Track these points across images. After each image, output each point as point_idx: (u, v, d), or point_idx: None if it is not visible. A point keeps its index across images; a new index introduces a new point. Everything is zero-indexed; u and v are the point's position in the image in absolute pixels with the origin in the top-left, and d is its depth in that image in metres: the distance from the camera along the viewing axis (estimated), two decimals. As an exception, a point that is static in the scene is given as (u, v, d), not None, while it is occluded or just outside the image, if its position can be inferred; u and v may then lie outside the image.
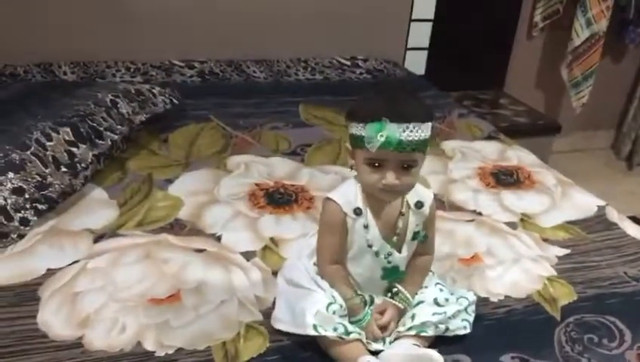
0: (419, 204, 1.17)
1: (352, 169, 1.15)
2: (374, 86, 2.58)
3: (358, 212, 1.13)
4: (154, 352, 1.11)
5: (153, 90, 1.99)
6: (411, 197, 1.16)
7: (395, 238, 1.15)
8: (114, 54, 2.46)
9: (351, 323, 1.12)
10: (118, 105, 1.81)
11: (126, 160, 1.80)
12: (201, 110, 2.17)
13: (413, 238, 1.17)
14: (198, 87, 2.41)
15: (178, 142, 1.95)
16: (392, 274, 1.17)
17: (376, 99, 1.11)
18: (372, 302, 1.18)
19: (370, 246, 1.14)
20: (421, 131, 1.05)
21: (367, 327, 1.13)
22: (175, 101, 2.05)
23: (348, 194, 1.14)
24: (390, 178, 1.07)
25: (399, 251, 1.16)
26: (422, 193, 1.18)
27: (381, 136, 1.02)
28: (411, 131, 1.03)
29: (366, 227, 1.13)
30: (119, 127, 1.76)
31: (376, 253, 1.15)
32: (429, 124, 1.08)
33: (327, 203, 1.16)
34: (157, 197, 1.63)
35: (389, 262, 1.16)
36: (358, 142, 1.08)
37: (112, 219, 1.52)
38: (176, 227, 1.51)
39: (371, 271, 1.17)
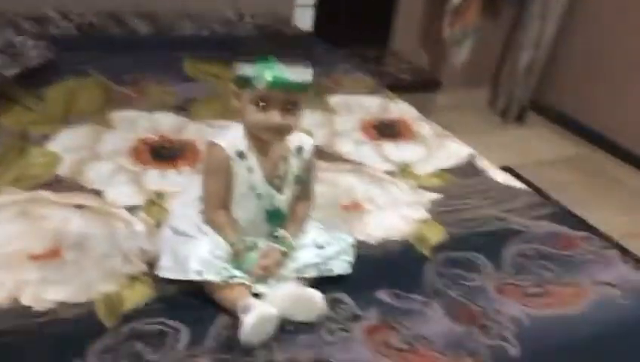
0: (299, 149, 1.22)
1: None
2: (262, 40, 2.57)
3: (241, 155, 1.16)
4: (31, 307, 1.09)
5: (26, 43, 1.88)
6: (292, 142, 1.21)
7: (277, 181, 1.20)
8: (-20, 4, 2.28)
9: (236, 268, 1.16)
10: (-14, 58, 1.70)
11: (-2, 115, 1.71)
12: (79, 64, 2.08)
13: (295, 181, 1.22)
14: (76, 40, 2.30)
15: (55, 98, 1.87)
16: (274, 217, 1.22)
17: (264, 42, 1.19)
18: (256, 246, 1.22)
19: (252, 188, 1.18)
20: (305, 74, 1.11)
21: (250, 270, 1.17)
22: (49, 55, 1.94)
23: (231, 137, 1.18)
24: (275, 117, 1.11)
25: (281, 193, 1.21)
26: (303, 139, 1.24)
27: (269, 74, 1.07)
28: (296, 73, 1.09)
29: (250, 170, 1.17)
30: (-12, 80, 1.66)
31: (259, 196, 1.19)
32: (310, 68, 1.13)
33: (210, 147, 1.18)
34: (33, 154, 1.57)
35: (271, 205, 1.20)
36: (245, 82, 1.11)
37: (-17, 176, 1.45)
38: (55, 183, 1.47)
39: (255, 214, 1.21)
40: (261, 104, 1.11)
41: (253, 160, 1.18)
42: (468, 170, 1.81)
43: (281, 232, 1.22)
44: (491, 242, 1.45)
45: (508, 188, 1.73)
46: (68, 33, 2.34)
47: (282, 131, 1.15)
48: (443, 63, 3.50)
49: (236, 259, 1.17)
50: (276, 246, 1.21)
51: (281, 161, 1.20)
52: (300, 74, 1.10)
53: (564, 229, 1.56)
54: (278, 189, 1.21)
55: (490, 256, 1.40)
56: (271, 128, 1.13)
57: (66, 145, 1.63)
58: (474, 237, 1.47)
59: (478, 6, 3.22)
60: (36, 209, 1.36)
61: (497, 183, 1.75)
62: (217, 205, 1.20)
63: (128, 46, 2.32)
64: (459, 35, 3.26)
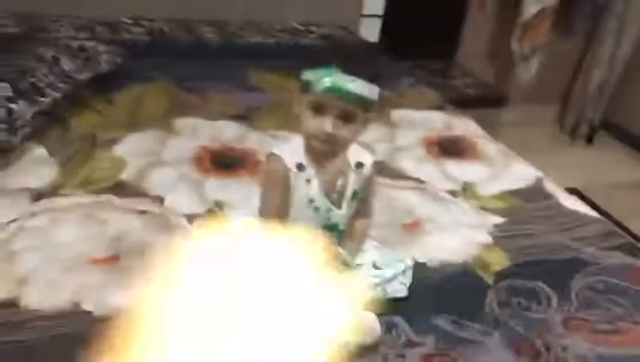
0: (359, 165, 1.20)
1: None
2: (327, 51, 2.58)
3: (300, 167, 1.15)
4: (91, 312, 1.11)
5: (97, 48, 1.94)
6: (352, 158, 1.19)
7: (335, 195, 1.18)
8: (59, 8, 2.37)
9: None
10: (60, 62, 1.75)
11: (69, 118, 1.76)
12: (148, 70, 2.12)
13: (353, 197, 1.20)
14: (146, 46, 2.35)
15: (124, 102, 1.91)
16: (332, 232, 1.20)
17: (331, 50, 1.12)
18: None
19: (311, 201, 1.16)
20: (366, 88, 1.08)
21: None
22: (120, 60, 1.99)
23: (291, 149, 1.16)
24: (327, 124, 1.09)
25: (339, 208, 1.19)
26: (362, 155, 1.21)
27: (328, 80, 1.06)
28: (357, 85, 1.07)
29: (308, 182, 1.15)
30: (61, 84, 1.71)
31: (317, 209, 1.17)
32: (376, 87, 1.10)
33: (270, 158, 1.18)
34: (100, 158, 1.60)
35: (328, 219, 1.18)
36: (305, 86, 1.10)
37: (52, 178, 1.49)
38: (119, 188, 1.49)
39: (312, 228, 1.19)
40: (317, 109, 1.09)
41: (311, 172, 1.16)
42: (534, 192, 1.74)
43: (339, 251, 1.20)
44: (558, 272, 1.39)
45: (577, 214, 1.65)
46: (139, 39, 2.40)
47: (333, 141, 1.12)
48: (510, 79, 3.41)
49: None
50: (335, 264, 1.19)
51: (339, 176, 1.18)
52: (360, 86, 1.07)
53: (637, 261, 1.47)
54: (336, 204, 1.19)
55: (556, 287, 1.33)
56: (321, 135, 1.10)
57: (131, 150, 1.67)
58: (539, 265, 1.41)
59: (549, 22, 3.12)
60: (100, 213, 1.38)
61: (566, 208, 1.67)
62: (275, 217, 1.19)
63: (196, 53, 2.35)
64: (528, 50, 3.17)
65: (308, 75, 1.10)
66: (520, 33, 3.13)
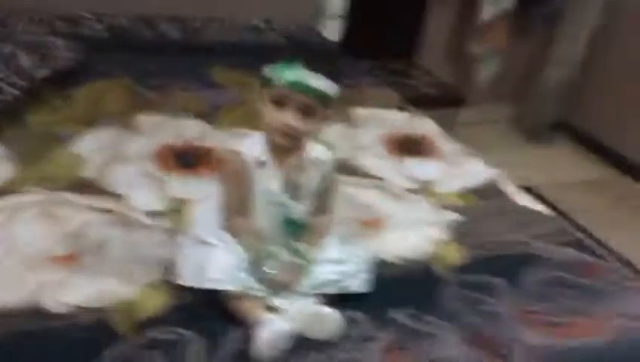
0: (318, 161, 1.22)
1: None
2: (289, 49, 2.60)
3: (260, 162, 1.16)
4: (50, 309, 1.10)
5: (57, 43, 1.91)
6: (312, 153, 1.22)
7: (295, 190, 1.20)
8: (17, 3, 2.31)
9: (254, 278, 1.15)
10: (18, 57, 1.72)
11: (26, 115, 1.73)
12: (108, 66, 2.09)
13: (313, 193, 1.22)
14: (106, 42, 2.32)
15: (83, 99, 1.89)
16: (292, 227, 1.22)
17: (292, 48, 1.14)
18: (274, 255, 1.21)
19: (271, 196, 1.18)
20: (326, 84, 1.12)
21: (268, 281, 1.17)
22: (79, 56, 1.97)
23: (251, 145, 1.19)
24: (289, 117, 1.12)
25: (299, 203, 1.21)
26: (322, 151, 1.24)
27: (289, 73, 1.09)
28: (317, 79, 1.10)
29: (268, 178, 1.18)
30: (18, 80, 1.68)
31: (277, 204, 1.19)
32: (335, 85, 1.14)
33: (230, 154, 1.19)
34: (58, 154, 1.58)
35: (288, 214, 1.20)
36: (267, 80, 1.13)
37: (10, 175, 1.47)
38: (79, 185, 1.48)
39: (273, 223, 1.21)
40: (278, 102, 1.12)
41: (271, 168, 1.18)
42: (491, 190, 1.79)
43: (299, 245, 1.22)
44: (512, 267, 1.43)
45: (531, 212, 1.71)
46: (99, 35, 2.36)
47: (293, 134, 1.15)
48: (468, 79, 3.48)
49: (255, 266, 1.17)
50: (295, 259, 1.21)
51: (299, 171, 1.21)
52: (320, 81, 1.11)
53: (588, 256, 1.53)
54: (296, 199, 1.21)
55: (511, 281, 1.38)
56: (282, 128, 1.13)
57: (91, 146, 1.65)
58: (495, 260, 1.45)
59: (507, 24, 3.19)
60: (59, 210, 1.37)
61: (520, 206, 1.73)
62: (237, 212, 1.20)
63: (157, 50, 2.34)
64: (487, 52, 3.24)
65: (269, 69, 1.13)
66: (479, 35, 3.20)
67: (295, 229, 1.23)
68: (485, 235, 1.55)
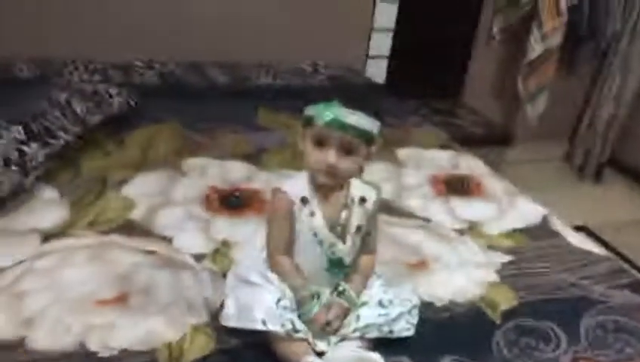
0: (362, 199, 1.21)
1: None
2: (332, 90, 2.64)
3: (304, 200, 1.17)
4: (97, 353, 1.11)
5: (110, 91, 1.98)
6: (356, 192, 1.21)
7: (339, 229, 1.19)
8: (72, 53, 2.43)
9: (297, 315, 1.14)
10: (73, 105, 1.80)
11: (80, 160, 1.79)
12: (159, 112, 2.16)
13: (357, 232, 1.21)
14: (157, 89, 2.40)
15: (134, 143, 1.95)
16: (336, 266, 1.21)
17: (332, 88, 1.16)
18: (319, 296, 1.19)
19: (315, 234, 1.18)
20: (367, 122, 1.12)
21: (312, 321, 1.15)
22: (131, 102, 2.04)
23: (295, 184, 1.19)
24: (331, 157, 1.12)
25: (343, 242, 1.20)
26: (366, 190, 1.23)
27: (329, 113, 1.10)
28: (358, 118, 1.11)
29: (312, 215, 1.17)
30: (73, 127, 1.75)
31: (321, 242, 1.18)
32: (377, 122, 1.15)
33: (275, 193, 1.20)
34: (109, 198, 1.62)
35: (333, 253, 1.19)
36: (308, 120, 1.14)
37: (62, 218, 1.51)
38: (128, 228, 1.51)
39: (317, 263, 1.20)
40: (320, 143, 1.13)
41: (315, 206, 1.18)
42: (542, 231, 1.74)
43: (344, 286, 1.21)
44: (566, 311, 1.37)
45: (585, 253, 1.64)
46: (150, 81, 2.45)
47: (336, 173, 1.15)
48: (517, 117, 3.43)
49: (299, 306, 1.16)
50: (340, 300, 1.19)
51: (343, 210, 1.20)
52: (361, 119, 1.11)
53: (646, 300, 1.46)
54: (340, 238, 1.20)
55: (565, 326, 1.32)
56: (324, 168, 1.14)
57: (140, 190, 1.69)
58: (547, 304, 1.40)
59: (555, 60, 3.15)
60: (108, 253, 1.40)
61: (573, 246, 1.67)
62: (282, 251, 1.20)
63: (206, 95, 2.40)
64: (534, 89, 3.20)
65: (310, 109, 1.14)
66: (526, 73, 3.17)
67: (339, 268, 1.22)
68: (537, 277, 1.50)
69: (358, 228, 1.21)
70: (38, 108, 1.71)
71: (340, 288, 1.20)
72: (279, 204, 1.19)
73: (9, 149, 1.55)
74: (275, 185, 1.22)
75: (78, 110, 1.80)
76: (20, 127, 1.61)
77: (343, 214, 1.20)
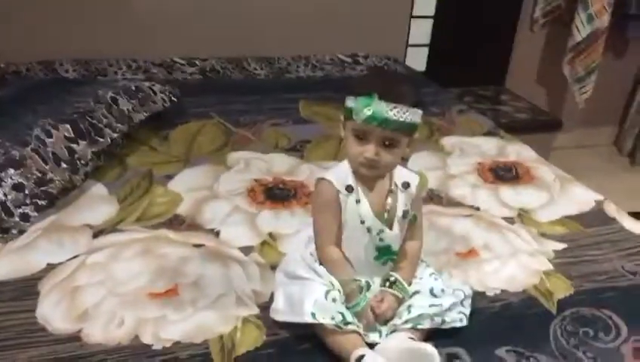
0: (405, 185, 1.20)
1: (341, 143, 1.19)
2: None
3: (349, 189, 1.16)
4: (151, 345, 1.12)
5: (153, 88, 2.00)
6: (398, 178, 1.20)
7: (385, 215, 1.18)
8: (116, 52, 2.48)
9: (347, 308, 1.13)
10: (118, 102, 1.82)
11: (126, 156, 1.82)
12: (201, 107, 2.18)
13: (404, 217, 1.20)
14: (199, 85, 2.42)
15: (178, 139, 1.96)
16: (385, 254, 1.19)
17: (373, 77, 1.26)
18: (369, 287, 1.18)
19: (362, 222, 1.17)
20: (408, 114, 1.10)
21: (362, 313, 1.14)
22: (174, 99, 2.06)
23: (339, 173, 1.18)
24: (370, 151, 1.12)
25: (390, 228, 1.18)
26: (408, 175, 1.22)
27: (368, 110, 1.08)
28: (398, 112, 1.09)
29: (358, 202, 1.16)
30: (119, 124, 1.77)
31: (369, 229, 1.17)
32: (418, 111, 1.13)
33: (319, 182, 1.20)
34: (156, 193, 1.64)
35: (381, 240, 1.18)
36: (348, 113, 1.13)
37: (111, 214, 1.53)
38: (175, 222, 1.52)
39: (365, 251, 1.19)
40: (360, 137, 1.12)
41: (360, 193, 1.17)
42: (596, 217, 1.68)
43: (395, 276, 1.19)
44: (626, 299, 1.32)
45: (642, 239, 1.58)
46: (192, 78, 2.47)
47: (377, 167, 1.14)
48: (564, 102, 3.34)
49: (349, 298, 1.14)
50: (391, 290, 1.17)
51: (388, 196, 1.19)
52: (402, 113, 1.09)
53: None
54: (387, 224, 1.19)
55: (625, 315, 1.27)
56: (365, 161, 1.13)
57: (186, 185, 1.70)
58: (605, 293, 1.35)
59: (602, 43, 3.05)
60: (157, 247, 1.41)
61: (630, 233, 1.61)
62: (330, 241, 1.19)
63: (247, 89, 2.41)
64: (582, 72, 3.10)
65: (350, 101, 1.12)
66: (572, 56, 3.07)
67: (388, 256, 1.20)
68: (593, 265, 1.45)
69: (405, 214, 1.20)
70: (85, 107, 1.74)
71: (392, 278, 1.19)
72: (325, 193, 1.18)
73: (59, 148, 1.58)
74: (318, 173, 1.22)
75: (124, 107, 1.83)
76: (69, 126, 1.64)
77: (389, 200, 1.19)
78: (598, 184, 1.94)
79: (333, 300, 1.12)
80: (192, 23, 2.55)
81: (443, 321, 1.17)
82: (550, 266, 1.44)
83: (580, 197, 1.78)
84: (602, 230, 1.62)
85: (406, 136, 1.13)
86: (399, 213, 1.19)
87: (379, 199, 1.18)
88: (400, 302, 1.17)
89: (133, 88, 1.94)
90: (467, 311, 1.21)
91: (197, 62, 2.56)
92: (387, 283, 1.18)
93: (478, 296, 1.28)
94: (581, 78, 3.10)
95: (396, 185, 1.20)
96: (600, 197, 1.78)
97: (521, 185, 1.84)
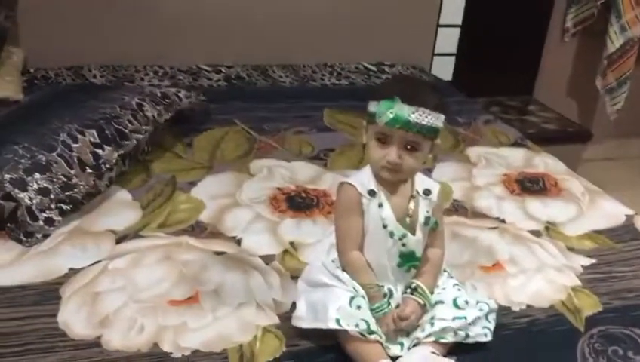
0: (427, 191, 1.20)
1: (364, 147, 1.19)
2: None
3: (372, 193, 1.16)
4: (170, 353, 1.11)
5: (179, 94, 2.01)
6: (419, 185, 1.20)
7: (407, 220, 1.17)
8: (143, 58, 2.50)
9: (371, 309, 1.12)
10: (144, 108, 1.83)
11: (150, 162, 1.82)
12: (226, 114, 2.18)
13: (425, 223, 1.18)
14: (224, 92, 2.43)
15: (202, 146, 1.96)
16: (409, 260, 1.18)
17: (396, 82, 1.28)
18: (391, 294, 1.17)
19: (385, 226, 1.15)
20: (430, 117, 1.10)
21: (384, 319, 1.12)
22: (199, 106, 2.06)
23: (361, 177, 1.18)
24: (392, 154, 1.11)
25: (413, 234, 1.17)
26: (429, 182, 1.22)
27: (390, 112, 1.08)
28: (420, 115, 1.09)
29: (380, 206, 1.15)
30: (144, 130, 1.78)
31: (391, 234, 1.15)
32: (440, 115, 1.13)
33: (341, 187, 1.19)
34: (179, 200, 1.64)
35: (404, 245, 1.16)
36: (371, 117, 1.13)
37: (134, 220, 1.54)
38: (197, 229, 1.52)
39: (388, 257, 1.17)
40: (382, 140, 1.12)
41: (383, 197, 1.16)
42: (626, 232, 1.64)
43: (416, 283, 1.17)
44: (656, 318, 1.28)
45: (674, 255, 1.54)
46: (217, 85, 2.48)
47: (399, 170, 1.13)
48: (593, 113, 3.28)
49: (371, 302, 1.13)
50: (413, 297, 1.15)
51: (410, 201, 1.18)
52: (424, 116, 1.09)
53: None
54: (410, 229, 1.17)
55: (656, 334, 1.23)
56: (387, 165, 1.12)
57: (209, 192, 1.70)
58: (635, 310, 1.31)
59: (635, 53, 2.99)
60: (178, 254, 1.41)
61: (661, 249, 1.56)
62: (353, 246, 1.18)
63: (271, 97, 2.40)
64: (614, 83, 3.04)
65: (373, 105, 1.12)
66: (604, 66, 3.02)
67: (411, 262, 1.18)
68: (623, 281, 1.41)
69: (427, 220, 1.19)
70: (111, 113, 1.75)
71: (413, 285, 1.17)
72: (347, 197, 1.17)
73: (84, 153, 1.59)
74: (341, 178, 1.21)
75: (149, 113, 1.83)
76: (94, 131, 1.65)
77: (411, 205, 1.18)
78: (628, 198, 1.89)
79: (358, 307, 1.11)
80: (218, 31, 2.56)
81: (467, 335, 1.14)
82: (578, 282, 1.40)
83: (610, 211, 1.74)
84: (632, 245, 1.58)
85: (428, 141, 1.13)
86: (421, 218, 1.18)
87: (401, 204, 1.18)
88: (423, 309, 1.15)
89: (159, 94, 1.94)
90: (492, 325, 1.18)
91: (222, 70, 2.57)
92: (409, 290, 1.17)
93: (503, 311, 1.26)
94: (613, 88, 3.04)
95: (417, 192, 1.19)
96: (631, 212, 1.74)
97: (549, 198, 1.80)
